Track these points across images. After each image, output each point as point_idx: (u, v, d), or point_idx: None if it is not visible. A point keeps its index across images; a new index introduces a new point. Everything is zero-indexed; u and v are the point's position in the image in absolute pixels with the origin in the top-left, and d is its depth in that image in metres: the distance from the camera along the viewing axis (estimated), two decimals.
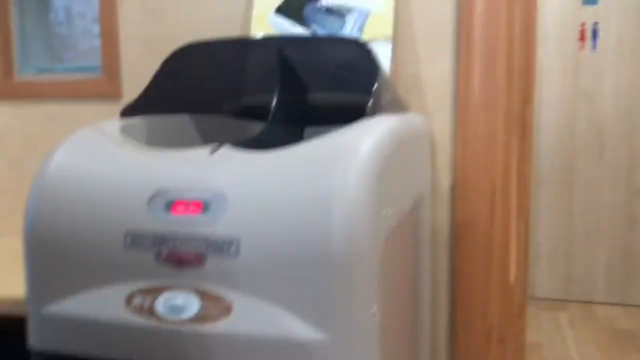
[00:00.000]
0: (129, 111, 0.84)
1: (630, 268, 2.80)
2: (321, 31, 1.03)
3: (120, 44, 1.22)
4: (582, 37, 2.78)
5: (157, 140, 0.88)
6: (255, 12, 1.08)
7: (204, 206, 0.63)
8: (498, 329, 1.09)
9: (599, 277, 2.85)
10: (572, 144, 2.87)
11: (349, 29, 1.01)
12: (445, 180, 1.06)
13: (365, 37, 1.01)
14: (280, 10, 1.06)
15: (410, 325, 0.93)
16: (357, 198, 0.60)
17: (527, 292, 2.97)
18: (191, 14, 1.18)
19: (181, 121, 0.96)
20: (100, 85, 1.24)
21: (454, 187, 1.05)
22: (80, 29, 1.29)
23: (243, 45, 0.92)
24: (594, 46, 2.77)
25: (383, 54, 1.00)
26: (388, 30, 1.00)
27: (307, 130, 1.00)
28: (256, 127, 0.93)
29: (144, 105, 0.86)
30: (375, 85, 0.75)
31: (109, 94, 1.23)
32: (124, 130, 0.77)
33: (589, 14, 2.76)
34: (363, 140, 0.65)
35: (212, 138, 1.02)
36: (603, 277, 2.84)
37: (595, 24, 2.75)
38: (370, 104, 0.73)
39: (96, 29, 1.26)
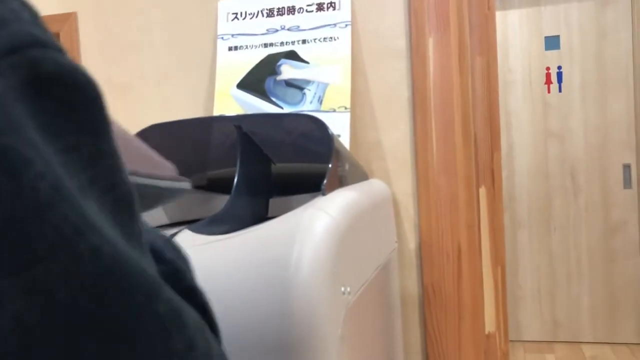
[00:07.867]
0: None
1: (614, 305, 2.81)
2: (282, 104, 1.06)
3: None
4: (547, 81, 2.87)
5: None
6: (217, 88, 1.11)
7: None
8: None
9: (584, 317, 2.85)
10: (546, 186, 2.92)
11: (308, 101, 1.04)
12: (411, 243, 1.08)
13: (324, 107, 1.04)
14: (241, 84, 1.09)
15: None
16: (313, 281, 0.61)
17: (513, 337, 2.96)
18: (155, 91, 1.21)
19: None
20: None
21: (419, 249, 1.07)
22: None
23: (204, 124, 0.94)
24: (560, 89, 2.85)
25: (343, 123, 1.03)
26: (346, 100, 1.03)
27: (272, 201, 1.02)
28: (223, 199, 0.95)
29: None
30: (330, 164, 0.77)
31: None
32: None
33: (553, 58, 2.86)
34: (317, 221, 0.67)
35: (180, 212, 1.03)
36: (587, 316, 2.85)
37: (559, 67, 2.84)
38: (325, 182, 0.75)
39: None
